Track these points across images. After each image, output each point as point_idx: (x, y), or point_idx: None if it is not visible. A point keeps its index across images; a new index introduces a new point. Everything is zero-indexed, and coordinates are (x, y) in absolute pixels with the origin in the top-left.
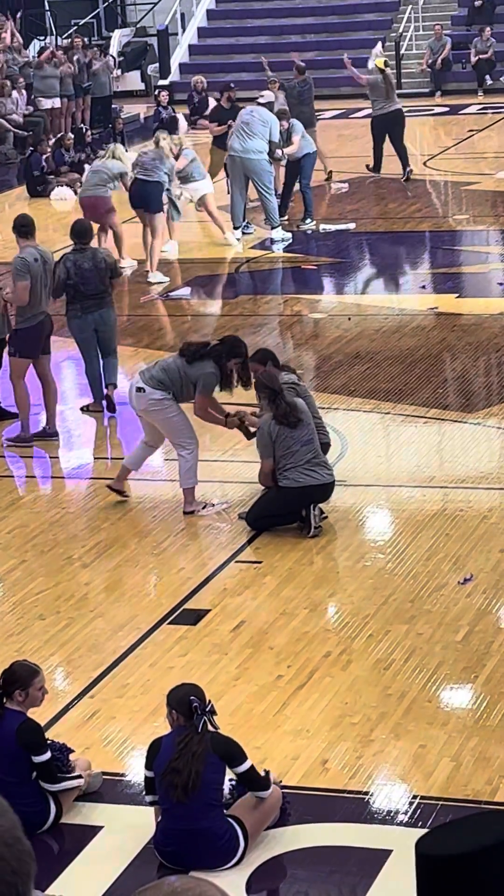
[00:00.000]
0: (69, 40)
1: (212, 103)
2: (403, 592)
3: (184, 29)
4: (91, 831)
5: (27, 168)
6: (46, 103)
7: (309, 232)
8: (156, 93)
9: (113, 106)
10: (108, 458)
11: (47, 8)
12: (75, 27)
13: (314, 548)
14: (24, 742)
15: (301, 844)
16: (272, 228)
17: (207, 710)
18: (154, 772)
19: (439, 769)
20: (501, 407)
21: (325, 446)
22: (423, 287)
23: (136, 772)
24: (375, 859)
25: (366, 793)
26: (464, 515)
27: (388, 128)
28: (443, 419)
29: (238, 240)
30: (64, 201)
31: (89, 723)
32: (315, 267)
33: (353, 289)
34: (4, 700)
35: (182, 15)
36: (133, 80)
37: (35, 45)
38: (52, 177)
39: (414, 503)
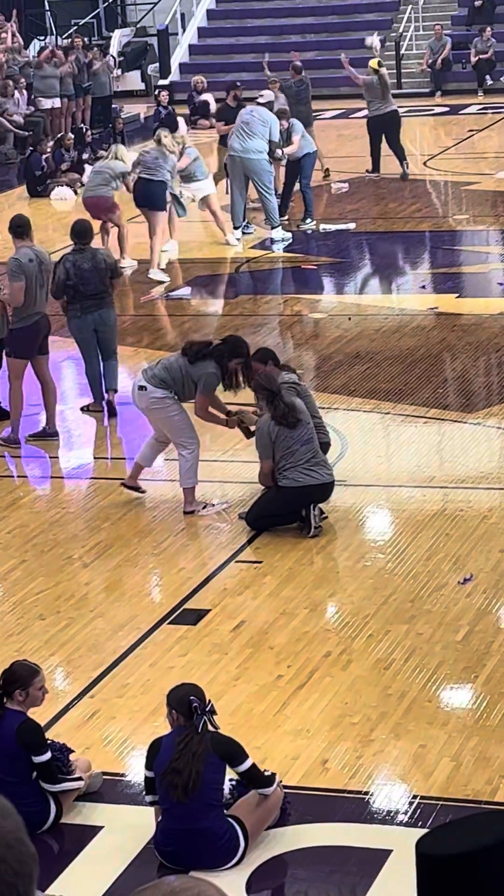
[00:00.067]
0: (69, 40)
1: (212, 103)
2: (403, 592)
3: (184, 29)
4: (91, 831)
5: (27, 168)
6: (46, 103)
7: (309, 232)
8: (156, 93)
9: (113, 106)
10: (108, 458)
11: (47, 8)
12: (75, 27)
13: (314, 548)
14: (24, 742)
15: (301, 844)
16: (272, 228)
17: (207, 709)
18: (154, 772)
19: (439, 769)
20: (501, 407)
21: (325, 446)
22: (424, 287)
23: (136, 772)
24: (375, 859)
25: (366, 793)
26: (464, 515)
27: (384, 128)
28: (443, 419)
29: (238, 240)
30: (64, 201)
31: (89, 723)
32: (315, 267)
33: (353, 289)
34: (5, 700)
35: (182, 15)
36: (133, 80)
37: (35, 45)
38: (52, 177)
39: (414, 503)
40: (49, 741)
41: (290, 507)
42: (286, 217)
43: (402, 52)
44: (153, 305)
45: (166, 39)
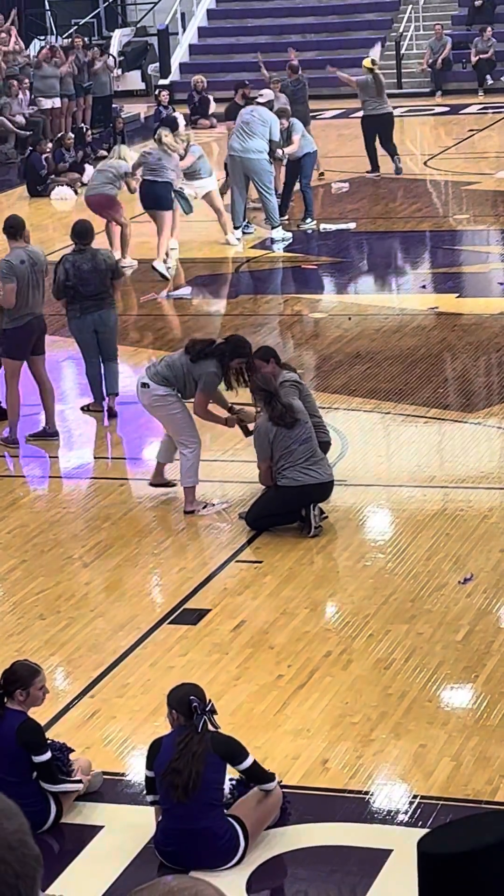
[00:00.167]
0: (69, 40)
1: (212, 102)
2: (404, 592)
3: (184, 28)
4: (91, 831)
5: (27, 168)
6: (47, 103)
7: (309, 231)
8: (156, 92)
9: (113, 105)
10: (108, 458)
11: (47, 8)
12: (75, 27)
13: (314, 547)
14: (25, 742)
15: (301, 844)
16: (272, 228)
17: (207, 709)
18: (154, 772)
19: (439, 769)
20: (502, 407)
21: (326, 445)
22: (424, 287)
23: (136, 771)
24: (376, 859)
25: (366, 792)
26: (464, 515)
27: (378, 128)
28: (443, 419)
29: (238, 239)
30: (64, 201)
31: (90, 722)
32: (315, 266)
33: (354, 288)
34: (5, 700)
35: (182, 14)
36: (133, 80)
37: (35, 45)
38: (53, 176)
39: (414, 503)
40: (49, 741)
41: (289, 506)
42: (286, 217)
43: (403, 51)
44: (153, 305)
45: (166, 39)
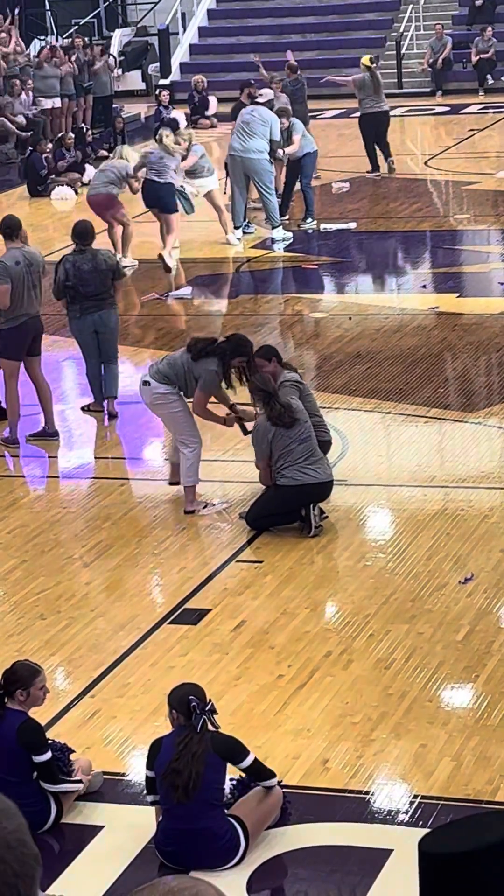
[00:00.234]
0: (70, 40)
1: (212, 102)
2: (404, 592)
3: (184, 28)
4: (91, 831)
5: (28, 168)
6: (47, 103)
7: (310, 231)
8: (156, 92)
9: (114, 105)
10: (108, 458)
11: (47, 7)
12: (76, 27)
13: (315, 547)
14: (25, 742)
15: (302, 844)
16: (273, 228)
17: (207, 709)
18: (155, 772)
19: (440, 769)
20: (502, 406)
21: (326, 445)
22: (424, 286)
23: (136, 771)
24: (376, 859)
25: (366, 792)
26: (464, 515)
27: (375, 126)
28: (443, 419)
29: (239, 239)
30: (64, 201)
31: (90, 722)
32: (316, 266)
33: (354, 288)
34: (6, 700)
35: (183, 14)
36: (134, 80)
37: (36, 45)
38: (53, 176)
39: (415, 503)
40: (50, 741)
41: (289, 505)
42: (287, 216)
43: (403, 51)
44: (154, 305)
45: (167, 39)
